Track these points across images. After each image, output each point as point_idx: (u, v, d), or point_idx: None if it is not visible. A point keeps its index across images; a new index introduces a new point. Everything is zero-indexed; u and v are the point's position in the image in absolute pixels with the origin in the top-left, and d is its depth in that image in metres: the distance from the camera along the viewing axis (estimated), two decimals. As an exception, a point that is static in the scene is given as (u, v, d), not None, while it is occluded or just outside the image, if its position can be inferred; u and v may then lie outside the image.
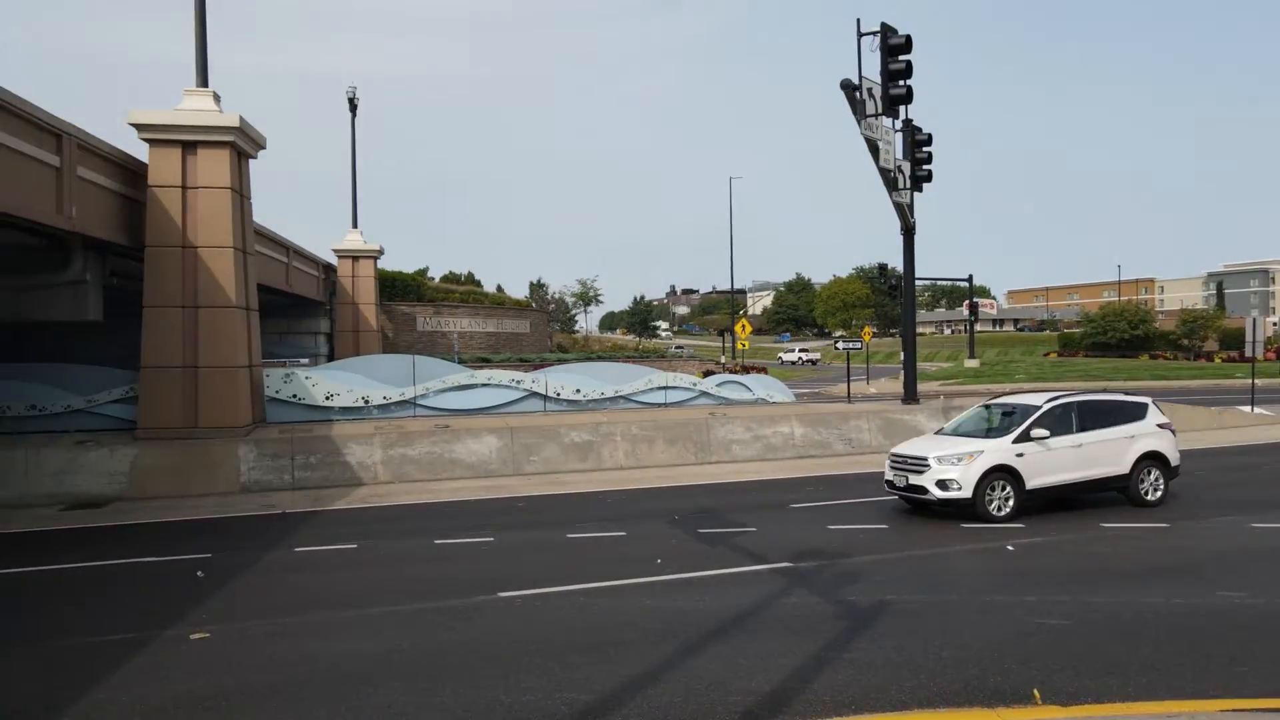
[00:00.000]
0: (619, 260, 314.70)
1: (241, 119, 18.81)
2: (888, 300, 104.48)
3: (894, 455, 14.49)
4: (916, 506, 14.32)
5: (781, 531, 12.95)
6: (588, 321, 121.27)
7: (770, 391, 26.29)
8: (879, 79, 20.98)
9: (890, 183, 23.07)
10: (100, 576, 11.26)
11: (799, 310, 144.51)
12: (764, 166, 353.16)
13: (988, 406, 15.71)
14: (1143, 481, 14.42)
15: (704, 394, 25.38)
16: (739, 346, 44.43)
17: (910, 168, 23.53)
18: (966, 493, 13.26)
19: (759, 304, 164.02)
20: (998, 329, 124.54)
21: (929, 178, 23.85)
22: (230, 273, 18.75)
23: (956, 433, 14.95)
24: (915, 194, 23.89)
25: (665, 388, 24.89)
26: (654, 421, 20.93)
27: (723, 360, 62.56)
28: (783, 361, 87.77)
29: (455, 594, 9.93)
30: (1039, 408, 14.17)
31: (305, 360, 33.96)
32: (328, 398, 21.39)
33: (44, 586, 10.85)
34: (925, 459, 13.69)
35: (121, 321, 19.70)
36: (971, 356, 68.53)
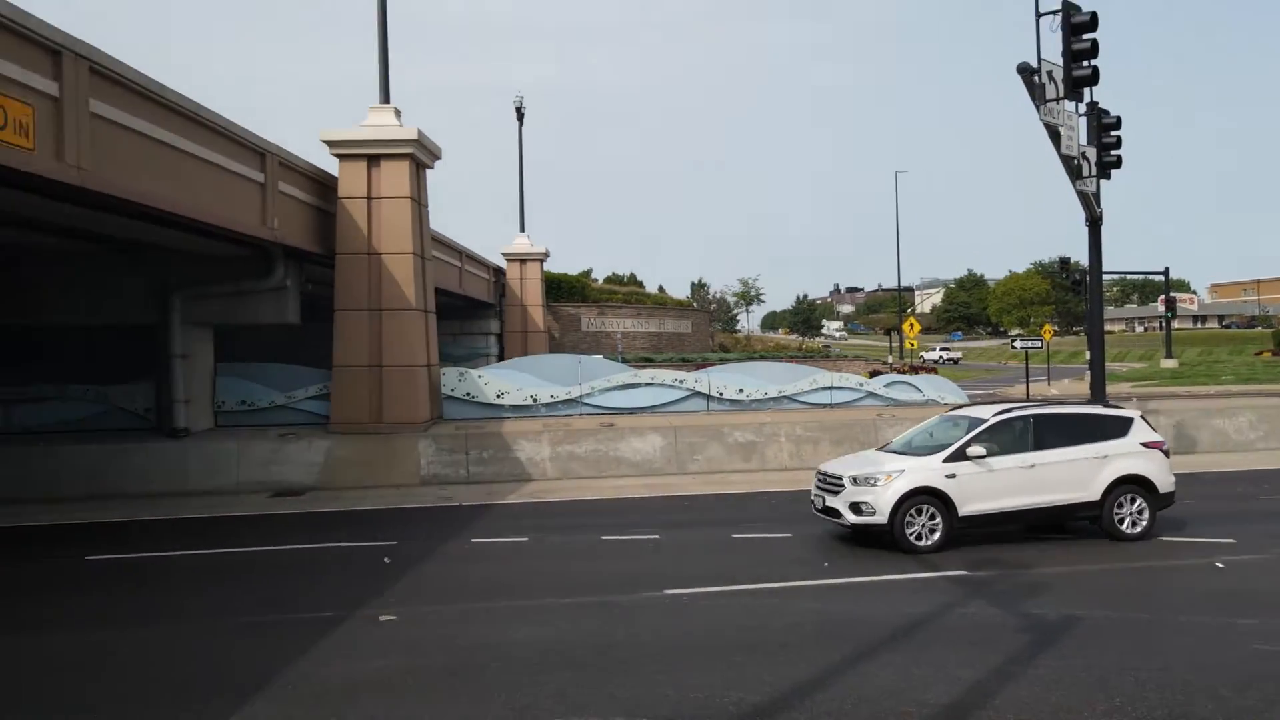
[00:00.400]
0: (781, 259, 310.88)
1: (419, 132, 19.92)
2: (1070, 296, 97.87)
3: (819, 473, 12.75)
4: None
5: (956, 538, 12.38)
6: (749, 321, 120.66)
7: (941, 393, 25.18)
8: (1060, 61, 19.70)
9: (1073, 171, 21.55)
10: (304, 559, 12.28)
11: (971, 308, 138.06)
12: (934, 159, 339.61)
13: (945, 419, 13.68)
14: (1120, 509, 12.09)
15: (871, 394, 24.63)
16: (907, 346, 42.93)
17: (1096, 154, 21.87)
18: (881, 518, 11.59)
19: (927, 301, 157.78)
20: (1199, 326, 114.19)
21: (1118, 163, 22.10)
22: (410, 277, 19.90)
23: (907, 448, 12.97)
24: (1102, 181, 22.24)
25: (830, 388, 24.34)
26: (819, 422, 20.55)
27: (889, 360, 60.63)
28: (924, 360, 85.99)
29: (622, 589, 10.11)
30: (984, 421, 12.31)
31: (480, 359, 35.53)
32: (498, 396, 22.27)
33: (259, 565, 11.93)
34: (841, 478, 12.07)
35: (314, 324, 21.32)
36: (1168, 356, 63.06)
